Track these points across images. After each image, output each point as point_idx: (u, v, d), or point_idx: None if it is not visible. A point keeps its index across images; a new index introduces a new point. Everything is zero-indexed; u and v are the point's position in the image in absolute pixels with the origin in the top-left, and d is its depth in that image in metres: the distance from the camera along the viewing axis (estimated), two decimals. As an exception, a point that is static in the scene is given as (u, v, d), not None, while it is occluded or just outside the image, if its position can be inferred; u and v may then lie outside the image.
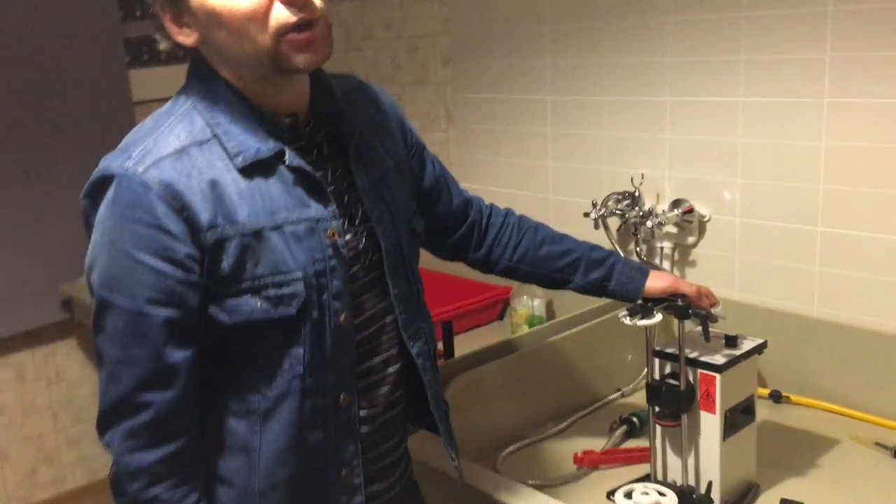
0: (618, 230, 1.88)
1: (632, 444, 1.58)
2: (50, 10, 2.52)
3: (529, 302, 2.00)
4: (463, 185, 1.38)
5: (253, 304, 0.98)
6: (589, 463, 1.50)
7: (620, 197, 1.85)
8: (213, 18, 0.96)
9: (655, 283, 1.31)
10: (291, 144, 1.02)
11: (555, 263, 1.35)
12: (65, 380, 2.80)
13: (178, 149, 0.97)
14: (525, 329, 1.92)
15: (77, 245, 2.61)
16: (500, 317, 2.18)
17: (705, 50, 1.71)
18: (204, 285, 0.97)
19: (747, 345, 1.34)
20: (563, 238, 1.37)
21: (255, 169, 0.99)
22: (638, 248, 1.83)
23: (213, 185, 0.97)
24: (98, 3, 2.61)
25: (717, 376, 1.27)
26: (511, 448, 1.56)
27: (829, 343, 1.62)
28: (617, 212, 1.84)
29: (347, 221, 1.06)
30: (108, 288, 0.96)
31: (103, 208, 0.97)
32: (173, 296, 0.95)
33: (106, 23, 2.63)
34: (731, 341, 1.33)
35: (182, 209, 0.95)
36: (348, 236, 1.06)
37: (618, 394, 1.76)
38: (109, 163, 0.98)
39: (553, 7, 1.98)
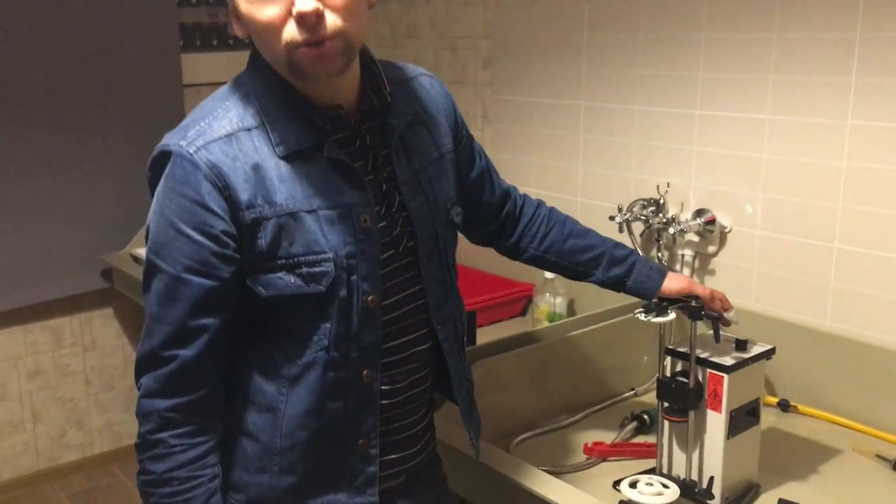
0: (641, 235, 1.95)
1: (641, 440, 1.65)
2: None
3: (552, 299, 2.07)
4: None
5: (287, 280, 1.06)
6: (598, 454, 1.57)
7: (646, 203, 1.92)
8: (245, 21, 1.04)
9: (672, 283, 1.38)
10: (334, 134, 1.09)
11: (579, 257, 1.41)
12: (99, 347, 2.92)
13: (228, 133, 1.06)
14: (546, 325, 1.99)
15: (120, 218, 2.74)
16: (523, 313, 2.25)
17: (735, 67, 1.78)
18: (240, 260, 1.05)
19: (756, 349, 1.40)
20: (588, 233, 1.43)
21: (296, 156, 1.07)
22: (660, 254, 1.90)
23: (257, 168, 1.05)
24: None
25: (726, 377, 1.34)
26: (525, 435, 1.64)
27: (838, 357, 1.68)
28: (641, 217, 1.91)
29: (385, 209, 1.12)
30: (154, 252, 1.06)
31: (162, 181, 1.07)
32: (208, 266, 1.04)
33: (163, 7, 2.75)
34: (741, 345, 1.40)
35: (225, 188, 1.03)
36: (383, 223, 1.12)
37: (631, 392, 1.83)
38: (169, 140, 1.07)
39: (592, 17, 2.05)
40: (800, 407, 1.73)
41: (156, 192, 1.08)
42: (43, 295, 2.72)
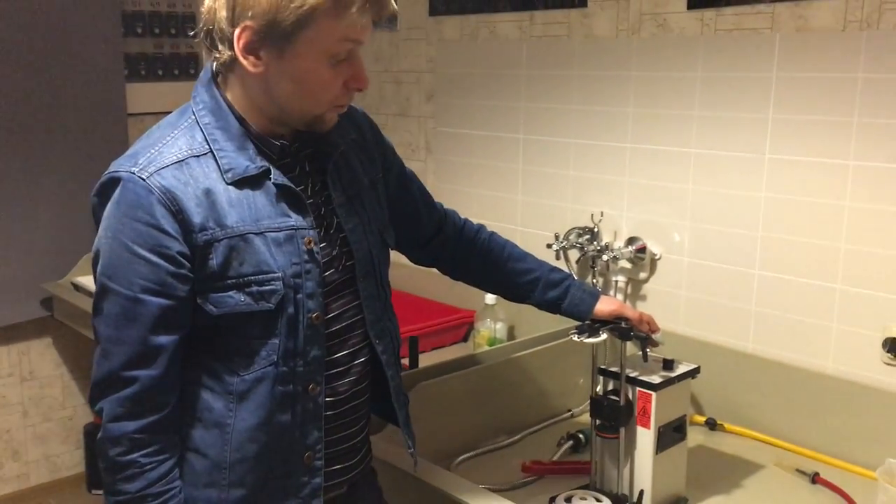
0: (577, 262, 2.04)
1: (577, 458, 1.71)
2: (56, 24, 2.64)
3: (492, 324, 2.14)
4: None
5: (237, 298, 1.11)
6: (535, 472, 1.63)
7: (581, 231, 2.01)
8: (297, 73, 1.10)
9: (603, 306, 1.46)
10: (277, 162, 1.16)
11: (517, 279, 1.48)
12: (37, 377, 2.88)
13: (179, 159, 1.11)
14: (487, 349, 2.05)
15: (61, 246, 2.72)
16: (465, 338, 2.31)
17: (664, 104, 1.89)
18: (193, 279, 1.10)
19: (682, 368, 1.48)
20: (526, 256, 1.50)
21: (244, 182, 1.13)
22: (594, 280, 1.99)
23: (208, 193, 1.10)
24: (102, 20, 2.74)
25: (654, 394, 1.42)
26: (466, 455, 1.69)
27: (760, 377, 1.78)
28: (577, 245, 2.00)
29: (324, 231, 1.19)
30: (107, 276, 1.09)
31: (110, 206, 1.10)
32: (165, 286, 1.08)
33: (108, 36, 2.76)
34: (668, 364, 1.48)
35: (178, 212, 1.08)
36: (323, 244, 1.19)
37: (568, 413, 1.90)
38: (119, 167, 1.11)
39: (529, 55, 2.15)
40: (726, 425, 1.82)
41: (105, 218, 1.11)
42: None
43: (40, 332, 2.84)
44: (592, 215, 2.02)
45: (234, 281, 1.11)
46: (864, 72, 1.58)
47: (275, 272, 1.12)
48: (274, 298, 1.12)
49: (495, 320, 2.14)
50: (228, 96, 1.15)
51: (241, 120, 1.15)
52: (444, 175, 2.41)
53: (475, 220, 1.52)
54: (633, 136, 1.96)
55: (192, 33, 1.23)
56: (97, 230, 1.13)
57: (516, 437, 1.78)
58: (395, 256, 2.65)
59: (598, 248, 1.97)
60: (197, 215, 1.09)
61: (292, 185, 1.16)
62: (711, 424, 1.83)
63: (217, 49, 1.12)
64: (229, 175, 1.12)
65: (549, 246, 2.01)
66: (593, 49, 2.01)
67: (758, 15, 1.72)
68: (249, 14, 1.07)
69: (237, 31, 1.09)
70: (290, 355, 1.15)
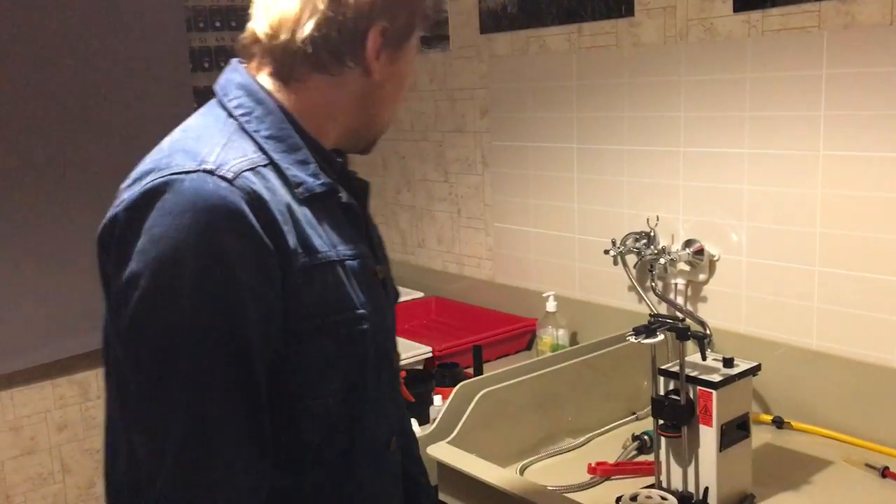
0: (634, 266, 2.07)
1: (643, 459, 1.74)
2: (126, 61, 2.78)
3: (554, 331, 2.18)
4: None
5: (322, 343, 0.91)
6: (602, 473, 1.66)
7: (638, 236, 2.04)
8: (402, 77, 1.01)
9: None
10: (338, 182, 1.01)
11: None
12: (123, 399, 3.02)
13: (251, 164, 0.89)
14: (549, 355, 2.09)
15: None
16: (529, 346, 2.35)
17: (714, 106, 1.91)
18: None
19: (742, 366, 1.50)
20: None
21: (313, 199, 0.95)
22: (653, 284, 2.01)
23: (289, 208, 0.90)
24: (172, 54, 2.87)
25: (714, 392, 1.44)
26: (531, 458, 1.73)
27: (826, 373, 1.78)
28: (634, 249, 2.03)
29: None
30: (187, 317, 0.81)
31: (167, 217, 0.83)
32: (273, 325, 0.85)
33: (177, 72, 2.90)
34: (728, 363, 1.50)
35: (272, 227, 0.86)
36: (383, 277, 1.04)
37: (632, 416, 1.92)
38: (177, 167, 0.86)
39: (579, 66, 2.19)
40: (793, 423, 1.82)
41: (160, 237, 0.82)
42: (69, 349, 2.83)
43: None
44: (648, 220, 2.05)
45: (319, 321, 0.91)
46: (915, 64, 1.58)
47: (359, 308, 0.95)
48: (365, 341, 0.95)
49: (557, 327, 2.18)
50: (286, 103, 0.97)
51: (300, 131, 0.97)
52: (501, 187, 2.47)
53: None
54: (686, 139, 1.98)
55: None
56: (124, 261, 0.84)
57: (581, 440, 1.82)
58: (458, 269, 2.71)
59: (656, 251, 1.99)
60: (289, 234, 0.88)
61: (357, 207, 1.01)
62: (778, 423, 1.83)
63: (332, 55, 0.95)
64: (301, 190, 0.93)
65: (606, 252, 2.04)
66: (642, 56, 2.04)
67: (804, 14, 1.73)
68: (388, 13, 0.94)
69: (371, 34, 0.95)
70: (376, 401, 1.00)
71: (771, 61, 1.79)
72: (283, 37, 0.95)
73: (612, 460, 1.71)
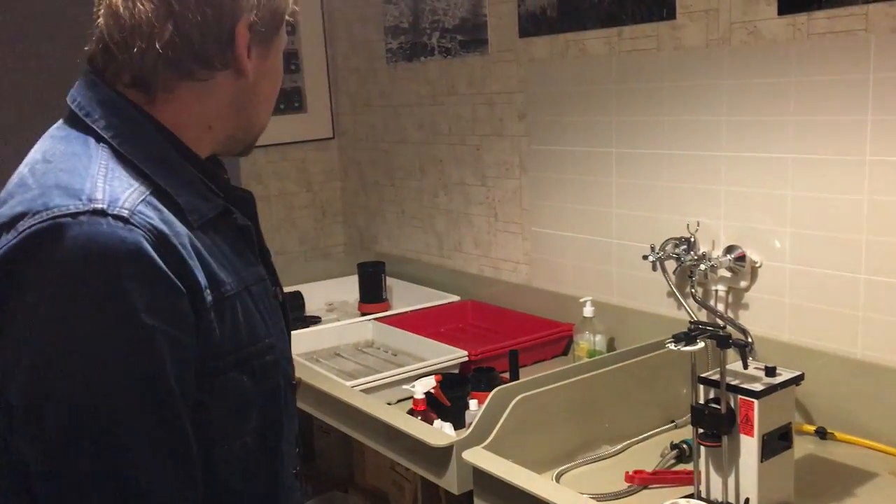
0: (674, 272, 2.04)
1: (681, 468, 1.71)
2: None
3: (591, 337, 2.16)
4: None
5: (238, 380, 0.85)
6: (640, 481, 1.64)
7: (677, 242, 2.01)
8: (274, 73, 0.94)
9: None
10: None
11: None
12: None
13: (141, 196, 0.80)
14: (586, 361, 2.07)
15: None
16: (566, 352, 2.34)
17: (758, 111, 1.88)
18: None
19: (785, 375, 1.47)
20: None
21: (207, 226, 0.87)
22: (693, 290, 1.98)
23: (190, 240, 0.82)
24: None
25: (756, 402, 1.42)
26: (568, 465, 1.72)
27: (871, 383, 1.73)
28: (674, 255, 2.00)
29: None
30: (106, 384, 0.73)
31: (62, 266, 0.72)
32: (189, 370, 0.79)
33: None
34: (770, 372, 1.47)
35: (179, 265, 0.79)
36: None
37: (671, 424, 1.90)
38: (58, 206, 0.74)
39: (619, 70, 2.17)
40: (837, 434, 1.78)
41: (48, 296, 0.71)
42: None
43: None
44: (688, 225, 2.02)
45: (232, 357, 0.85)
46: (967, 67, 1.54)
47: (269, 337, 0.90)
48: (277, 373, 0.91)
49: (594, 333, 2.16)
50: (159, 117, 0.87)
51: (179, 148, 0.88)
52: (539, 192, 2.46)
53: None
54: (728, 144, 1.95)
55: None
56: (8, 319, 0.73)
57: (619, 448, 1.80)
58: (495, 273, 2.70)
59: (696, 257, 1.97)
60: (197, 270, 0.81)
61: (251, 227, 0.94)
62: (822, 433, 1.79)
63: (197, 59, 0.85)
64: (195, 217, 0.85)
65: (644, 257, 2.02)
66: (683, 60, 2.02)
67: (850, 17, 1.69)
68: (252, 5, 0.86)
69: (238, 29, 0.86)
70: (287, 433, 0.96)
71: (816, 65, 1.76)
72: (140, 44, 0.84)
73: (649, 469, 1.68)
